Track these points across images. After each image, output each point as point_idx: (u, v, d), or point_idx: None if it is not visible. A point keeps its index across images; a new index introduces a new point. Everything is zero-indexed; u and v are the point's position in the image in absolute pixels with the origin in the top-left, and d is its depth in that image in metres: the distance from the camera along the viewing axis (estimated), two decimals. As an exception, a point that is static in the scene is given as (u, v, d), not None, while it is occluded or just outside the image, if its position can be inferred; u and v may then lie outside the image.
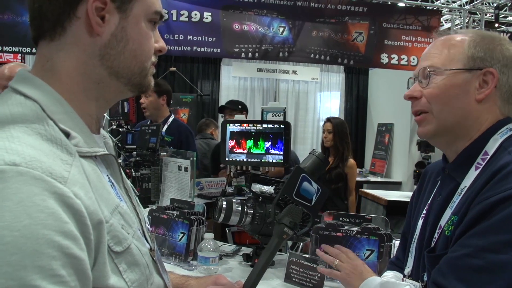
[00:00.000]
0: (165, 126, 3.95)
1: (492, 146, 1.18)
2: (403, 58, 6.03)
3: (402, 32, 6.03)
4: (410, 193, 5.17)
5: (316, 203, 1.19)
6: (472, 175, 1.17)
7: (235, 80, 8.14)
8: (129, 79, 0.89)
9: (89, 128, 0.86)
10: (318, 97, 8.39)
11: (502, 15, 6.99)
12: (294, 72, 8.09)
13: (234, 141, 1.78)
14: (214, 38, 5.46)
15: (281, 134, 1.70)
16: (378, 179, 7.05)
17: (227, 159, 1.80)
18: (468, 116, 1.19)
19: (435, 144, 1.33)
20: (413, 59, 5.99)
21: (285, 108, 1.72)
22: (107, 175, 0.86)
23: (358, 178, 6.95)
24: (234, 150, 1.79)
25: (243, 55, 5.56)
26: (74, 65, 0.83)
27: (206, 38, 5.44)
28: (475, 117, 1.20)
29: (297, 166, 1.17)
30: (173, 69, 7.83)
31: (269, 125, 1.71)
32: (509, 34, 7.19)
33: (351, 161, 4.38)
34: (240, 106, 4.33)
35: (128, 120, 2.58)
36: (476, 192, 1.09)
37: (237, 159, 1.78)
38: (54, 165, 0.69)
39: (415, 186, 4.48)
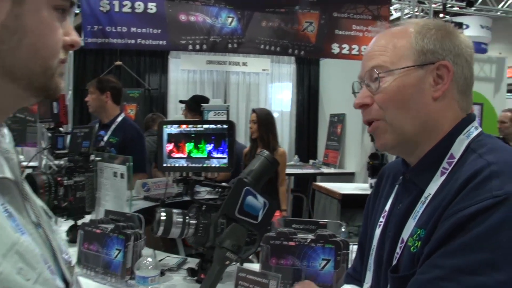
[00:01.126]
0: (113, 126, 3.72)
1: (458, 148, 1.04)
2: (354, 48, 5.95)
3: (353, 21, 5.94)
4: (364, 185, 5.16)
5: (263, 220, 1.02)
6: (437, 181, 1.03)
7: (183, 73, 7.89)
8: (30, 81, 0.71)
9: None
10: (269, 89, 8.27)
11: (449, 5, 7.06)
12: (244, 64, 7.92)
13: (173, 144, 1.59)
14: (159, 30, 5.19)
15: (224, 135, 1.53)
16: (332, 170, 6.99)
17: (165, 164, 1.60)
18: (428, 118, 1.06)
19: (395, 153, 1.18)
20: (364, 48, 5.91)
21: (228, 106, 1.54)
22: (2, 204, 0.68)
23: (311, 170, 6.93)
24: (172, 154, 1.59)
25: (190, 47, 5.32)
26: None
27: (151, 30, 5.17)
28: (435, 117, 1.06)
29: (239, 179, 1.00)
30: (118, 63, 7.49)
31: (211, 126, 1.53)
32: (453, 24, 7.26)
33: (281, 149, 4.37)
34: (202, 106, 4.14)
35: (59, 122, 2.33)
36: (446, 203, 0.94)
37: (177, 165, 1.59)
38: None
39: (369, 178, 4.48)
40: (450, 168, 1.02)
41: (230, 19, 5.40)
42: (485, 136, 1.07)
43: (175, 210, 1.65)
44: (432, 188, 1.03)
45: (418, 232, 0.99)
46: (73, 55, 5.94)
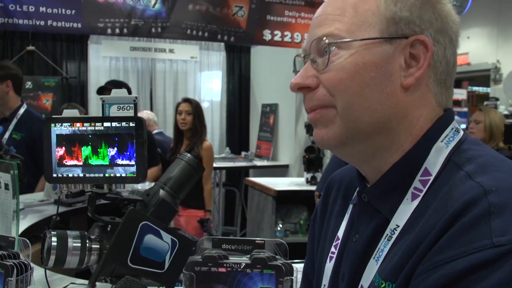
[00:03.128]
0: (15, 120, 3.25)
1: (435, 161, 0.74)
2: (287, 35, 5.74)
3: (285, 7, 5.73)
4: (299, 179, 4.93)
5: (172, 267, 0.69)
6: (407, 208, 0.73)
7: (105, 60, 7.33)
8: None
9: None
10: (198, 78, 7.87)
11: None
12: (171, 51, 7.46)
13: (64, 148, 1.20)
14: (73, 11, 4.68)
15: (131, 136, 1.16)
16: (265, 162, 6.75)
17: (55, 175, 1.21)
18: (392, 114, 0.75)
19: (343, 157, 0.86)
20: (297, 35, 5.71)
21: (135, 97, 1.18)
22: None
23: (243, 163, 6.65)
24: (64, 161, 1.21)
25: (109, 31, 4.84)
26: None
27: (63, 10, 4.64)
28: (402, 113, 0.75)
29: (131, 210, 0.65)
30: (31, 48, 6.81)
31: (113, 124, 1.16)
32: None
33: (207, 143, 4.05)
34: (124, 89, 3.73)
35: None
36: (425, 247, 0.65)
37: (70, 175, 1.21)
38: None
39: (305, 173, 4.25)
40: (424, 190, 0.73)
41: (153, 1, 4.97)
42: (470, 142, 0.77)
43: (71, 233, 1.27)
44: (400, 218, 0.73)
45: (383, 286, 0.69)
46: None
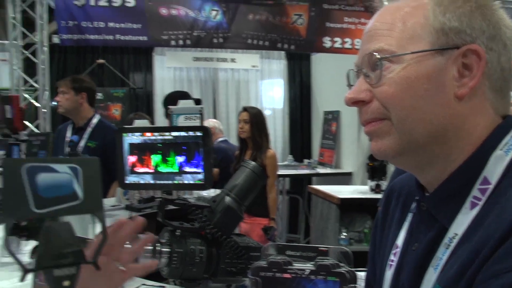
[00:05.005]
0: (89, 129, 3.42)
1: (494, 170, 0.73)
2: (347, 41, 5.70)
3: (345, 13, 5.70)
4: (363, 187, 4.85)
5: (87, 192, 0.64)
6: (466, 217, 0.72)
7: (169, 71, 7.55)
8: None
9: None
10: (259, 86, 7.94)
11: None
12: (232, 60, 7.59)
13: (136, 156, 1.27)
14: (139, 25, 4.88)
15: (198, 145, 1.21)
16: (328, 170, 6.68)
17: (126, 181, 1.29)
18: (448, 124, 0.74)
19: (401, 166, 0.85)
20: (358, 42, 5.65)
21: (201, 108, 1.23)
22: None
23: (306, 171, 6.63)
24: (136, 169, 1.28)
25: (173, 42, 5.01)
26: None
27: (130, 24, 4.86)
28: (458, 123, 0.75)
29: (5, 159, 0.64)
30: (101, 61, 7.15)
31: (181, 133, 1.22)
32: None
33: (271, 151, 4.06)
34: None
35: (14, 128, 2.01)
36: (484, 256, 0.64)
37: (141, 182, 1.27)
38: None
39: (369, 181, 4.18)
40: (484, 199, 0.72)
41: (214, 12, 5.09)
42: None
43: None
44: (459, 227, 0.73)
45: None
46: (52, 53, 5.59)
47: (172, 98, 3.91)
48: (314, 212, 5.12)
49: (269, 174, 3.90)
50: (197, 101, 3.81)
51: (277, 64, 8.01)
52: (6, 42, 5.44)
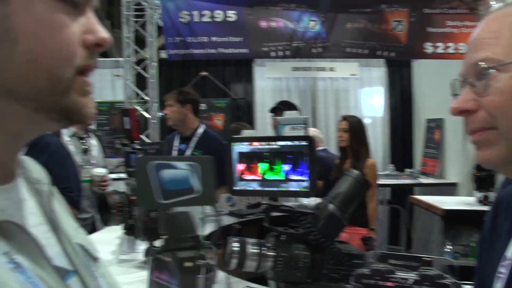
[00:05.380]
0: (195, 139, 3.62)
1: None
2: (450, 46, 5.49)
3: (447, 17, 5.49)
4: (469, 199, 4.63)
5: (204, 186, 0.72)
6: None
7: (269, 81, 7.72)
8: (38, 101, 0.55)
9: None
10: (359, 94, 7.86)
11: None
12: (331, 69, 7.59)
13: (244, 164, 1.36)
14: (240, 38, 5.09)
15: (303, 154, 1.27)
16: (431, 180, 6.44)
17: (235, 188, 1.38)
18: None
19: (509, 175, 0.84)
20: (462, 46, 5.42)
21: (306, 118, 1.29)
22: (6, 253, 0.52)
23: (408, 181, 6.44)
24: (244, 176, 1.36)
25: (272, 54, 5.15)
26: None
27: (231, 38, 5.08)
28: None
29: (137, 157, 0.70)
30: (204, 73, 7.50)
31: (287, 142, 1.29)
32: None
33: (371, 160, 3.99)
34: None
35: (131, 138, 2.20)
36: None
37: (249, 188, 1.36)
38: None
39: (476, 192, 3.98)
40: None
41: (312, 23, 5.16)
42: None
43: (249, 240, 1.42)
44: None
45: None
46: (159, 68, 5.98)
47: (279, 108, 4.02)
48: (416, 223, 4.96)
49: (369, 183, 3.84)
50: (293, 108, 3.92)
51: (377, 71, 7.89)
52: (120, 59, 5.90)
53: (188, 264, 0.69)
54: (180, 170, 0.67)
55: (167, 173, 0.66)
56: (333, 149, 6.09)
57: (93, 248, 0.75)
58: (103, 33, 0.59)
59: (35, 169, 0.70)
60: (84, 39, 0.56)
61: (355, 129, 4.01)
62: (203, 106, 7.21)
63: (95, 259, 0.74)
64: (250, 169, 1.35)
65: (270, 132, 4.11)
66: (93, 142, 3.73)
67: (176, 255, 0.67)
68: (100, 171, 3.49)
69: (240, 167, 1.36)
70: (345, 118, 4.16)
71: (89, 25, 0.57)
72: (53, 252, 0.61)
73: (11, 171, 0.61)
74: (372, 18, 5.32)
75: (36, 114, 0.55)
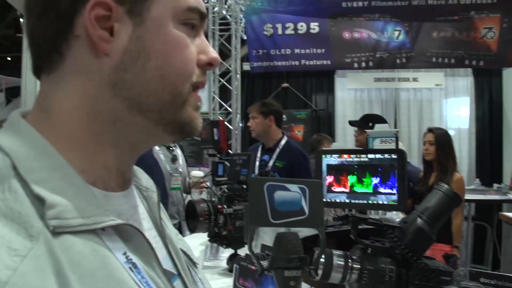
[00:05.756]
0: (277, 150, 3.68)
1: None
2: (549, 52, 5.16)
3: (547, 19, 5.17)
4: None
5: (312, 209, 0.73)
6: None
7: (350, 92, 7.64)
8: (160, 114, 0.61)
9: (104, 185, 0.62)
10: (444, 105, 7.57)
11: None
12: (415, 80, 7.38)
13: (333, 177, 1.38)
14: (323, 50, 5.11)
15: (393, 167, 1.28)
16: (522, 197, 6.08)
17: (324, 199, 1.40)
18: None
19: None
20: None
21: (397, 131, 1.29)
22: (125, 254, 0.58)
23: (496, 197, 6.12)
24: (332, 188, 1.39)
25: (355, 65, 5.13)
26: (77, 102, 0.60)
27: (314, 50, 5.11)
28: None
29: (250, 178, 0.72)
30: (285, 85, 7.59)
31: (377, 156, 1.30)
32: None
33: (458, 175, 3.84)
34: (370, 124, 3.91)
35: (219, 149, 2.29)
36: None
37: (337, 200, 1.38)
38: None
39: None
40: None
41: (397, 33, 5.08)
42: None
43: (336, 252, 1.44)
44: None
45: None
46: (241, 79, 6.13)
47: (366, 120, 3.97)
48: (505, 242, 4.70)
49: None
50: (379, 120, 3.84)
51: (463, 81, 7.57)
52: (206, 71, 6.11)
53: (292, 283, 0.73)
54: (291, 192, 0.71)
55: (279, 194, 0.70)
56: (415, 162, 5.93)
57: (193, 254, 0.82)
58: (214, 53, 0.66)
59: (144, 178, 0.78)
60: (198, 59, 0.64)
61: (441, 142, 3.88)
62: (283, 117, 7.28)
63: (194, 264, 0.81)
64: (339, 181, 1.37)
65: (350, 144, 4.08)
66: (178, 152, 3.90)
67: (282, 274, 0.72)
68: (198, 173, 3.63)
69: (329, 179, 1.39)
70: (431, 130, 4.05)
71: (203, 46, 0.65)
72: (161, 255, 0.67)
73: (128, 178, 0.68)
74: (460, 26, 5.14)
75: (155, 126, 0.62)
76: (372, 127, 3.87)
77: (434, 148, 3.86)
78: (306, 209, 0.72)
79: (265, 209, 0.69)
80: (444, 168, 3.78)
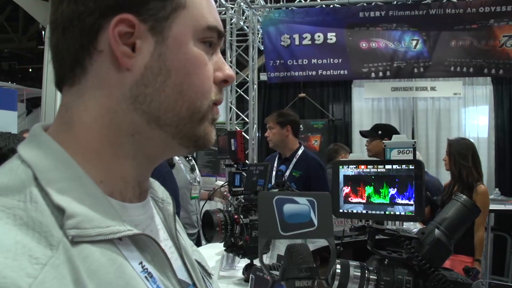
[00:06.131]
0: (294, 160, 3.68)
1: None
2: None
3: (562, 29, 5.10)
4: None
5: (320, 221, 0.74)
6: None
7: (367, 102, 7.62)
8: (177, 127, 0.64)
9: (121, 195, 0.64)
10: (462, 114, 7.49)
11: None
12: (432, 89, 7.32)
13: (350, 187, 1.38)
14: (340, 60, 5.10)
15: (410, 178, 1.27)
16: (543, 209, 5.96)
17: (341, 210, 1.40)
18: None
19: None
20: None
21: (414, 142, 1.29)
22: (141, 263, 0.60)
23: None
24: (349, 199, 1.38)
25: (372, 75, 5.11)
26: (97, 115, 0.62)
27: (331, 60, 5.11)
28: None
29: (260, 192, 0.73)
30: (302, 95, 7.62)
31: (394, 166, 1.29)
32: None
33: (482, 186, 3.71)
34: (379, 132, 3.88)
35: (237, 159, 2.30)
36: None
37: (354, 211, 1.37)
38: (10, 270, 0.46)
39: None
40: None
41: (414, 42, 5.05)
42: None
43: (352, 262, 1.43)
44: None
45: None
46: (258, 90, 6.15)
47: (376, 129, 3.95)
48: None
49: None
50: (390, 129, 3.81)
51: (482, 90, 7.49)
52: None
53: None
54: (300, 205, 0.73)
55: (288, 207, 0.72)
56: (433, 172, 5.87)
57: (207, 265, 0.83)
58: (229, 70, 0.68)
59: (160, 190, 0.79)
60: (215, 76, 0.65)
61: (453, 152, 3.81)
62: (300, 127, 7.28)
63: (209, 274, 0.82)
64: (356, 192, 1.37)
65: (366, 155, 4.05)
66: (194, 162, 3.94)
67: (293, 284, 0.73)
68: (221, 182, 3.66)
69: (346, 190, 1.39)
70: (448, 141, 3.99)
71: (219, 63, 0.67)
72: (176, 265, 0.68)
73: (145, 190, 0.70)
74: (479, 35, 5.08)
75: (172, 139, 0.64)
76: (381, 136, 3.87)
77: (448, 158, 3.83)
78: (315, 221, 0.73)
79: (274, 222, 0.70)
80: (460, 178, 3.71)
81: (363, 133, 4.15)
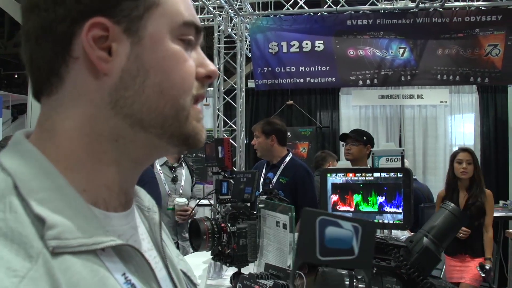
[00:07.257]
0: (282, 167, 3.67)
1: None
2: (555, 69, 5.16)
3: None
4: None
5: (362, 250, 0.70)
6: None
7: (355, 109, 7.66)
8: (163, 128, 0.62)
9: (105, 204, 0.62)
10: (448, 122, 7.56)
11: None
12: (419, 97, 7.39)
13: (338, 195, 1.37)
14: (327, 67, 5.12)
15: (399, 186, 1.27)
16: (529, 213, 6.03)
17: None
18: None
19: None
20: None
21: (403, 150, 1.28)
22: (123, 274, 0.58)
23: (502, 214, 6.07)
24: (337, 207, 1.38)
25: (360, 82, 5.13)
26: (78, 122, 0.60)
27: (319, 67, 5.12)
28: None
29: (305, 209, 0.69)
30: (290, 102, 7.63)
31: (383, 174, 1.29)
32: None
33: (488, 191, 4.02)
34: (364, 138, 3.93)
35: (224, 166, 2.29)
36: None
37: (342, 219, 1.37)
38: None
39: None
40: None
41: (401, 50, 5.09)
42: None
43: (341, 271, 1.42)
44: None
45: None
46: (246, 97, 6.15)
47: (350, 136, 3.98)
48: (512, 262, 4.65)
49: (487, 214, 3.93)
50: (368, 139, 3.85)
51: (468, 98, 7.56)
52: (210, 89, 6.14)
53: None
54: (344, 229, 0.69)
55: (330, 230, 0.68)
56: (420, 179, 5.89)
57: (193, 275, 0.81)
58: (211, 66, 0.67)
59: (146, 198, 0.78)
60: (197, 72, 0.64)
61: (476, 160, 4.02)
62: (288, 135, 7.28)
63: (195, 285, 0.80)
64: (344, 200, 1.36)
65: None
66: (183, 172, 3.90)
67: None
68: (181, 200, 3.65)
69: (334, 198, 1.38)
70: (466, 150, 4.13)
71: (200, 59, 0.65)
72: (160, 276, 0.66)
73: (130, 198, 0.68)
74: (465, 44, 5.15)
75: (159, 140, 0.62)
76: (365, 142, 3.90)
77: (472, 167, 3.95)
78: (356, 249, 0.69)
79: (314, 244, 0.66)
80: (481, 185, 3.95)
81: (348, 134, 4.13)
